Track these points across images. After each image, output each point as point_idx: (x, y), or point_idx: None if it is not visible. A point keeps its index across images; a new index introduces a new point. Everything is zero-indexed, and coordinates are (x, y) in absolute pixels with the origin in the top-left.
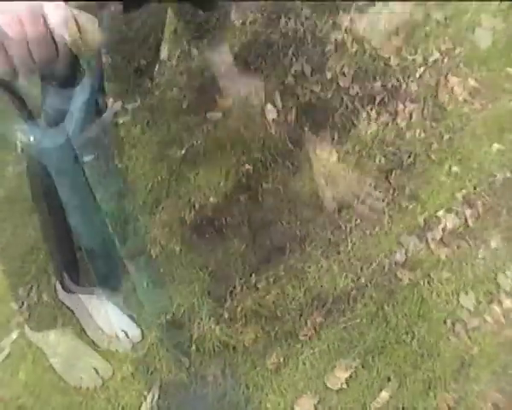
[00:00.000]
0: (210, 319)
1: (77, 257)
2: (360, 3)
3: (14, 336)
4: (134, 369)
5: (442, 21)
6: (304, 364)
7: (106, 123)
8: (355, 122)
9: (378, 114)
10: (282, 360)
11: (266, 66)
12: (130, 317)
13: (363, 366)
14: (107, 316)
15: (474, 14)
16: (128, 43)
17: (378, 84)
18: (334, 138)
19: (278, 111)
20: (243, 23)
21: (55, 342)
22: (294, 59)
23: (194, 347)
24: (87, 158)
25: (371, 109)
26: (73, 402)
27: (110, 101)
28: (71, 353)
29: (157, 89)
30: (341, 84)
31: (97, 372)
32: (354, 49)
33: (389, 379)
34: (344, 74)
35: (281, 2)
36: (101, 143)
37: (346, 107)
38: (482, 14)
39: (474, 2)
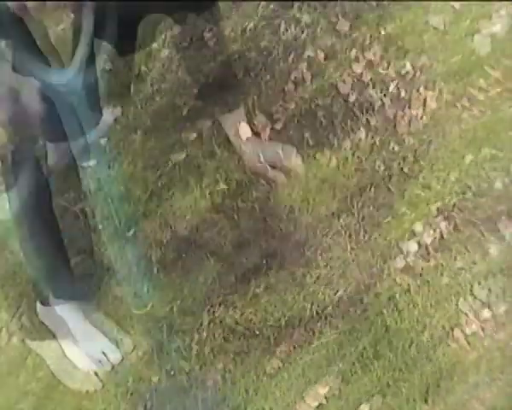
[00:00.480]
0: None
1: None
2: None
3: (13, 340)
4: (134, 372)
5: (440, 28)
6: (303, 368)
7: (106, 129)
8: (354, 128)
9: (377, 120)
10: (281, 365)
11: (266, 72)
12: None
13: (362, 370)
14: (88, 337)
15: (473, 21)
16: None
17: (377, 90)
18: (333, 144)
19: (253, 130)
20: (243, 29)
21: (54, 347)
22: (294, 66)
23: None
24: (88, 163)
25: (370, 116)
26: (73, 406)
27: (110, 106)
28: (70, 357)
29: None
30: (341, 90)
31: (97, 375)
32: (353, 56)
33: (400, 369)
34: (343, 81)
35: (280, 9)
36: (101, 148)
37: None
38: (481, 19)
39: (473, 8)
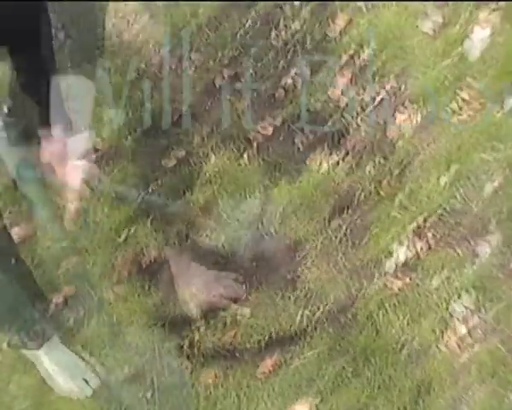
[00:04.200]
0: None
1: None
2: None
3: (4, 345)
4: (125, 378)
5: (430, 33)
6: (283, 388)
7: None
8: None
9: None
10: (261, 386)
11: (256, 78)
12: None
13: (341, 389)
14: (62, 370)
15: (463, 25)
16: (124, 52)
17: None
18: (324, 148)
19: None
20: (233, 35)
21: (44, 354)
22: (285, 71)
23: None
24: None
25: (361, 120)
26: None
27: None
28: (60, 363)
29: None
30: (331, 95)
31: (87, 383)
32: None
33: (379, 387)
34: (334, 86)
35: (271, 14)
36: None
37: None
38: (472, 24)
39: (463, 13)
